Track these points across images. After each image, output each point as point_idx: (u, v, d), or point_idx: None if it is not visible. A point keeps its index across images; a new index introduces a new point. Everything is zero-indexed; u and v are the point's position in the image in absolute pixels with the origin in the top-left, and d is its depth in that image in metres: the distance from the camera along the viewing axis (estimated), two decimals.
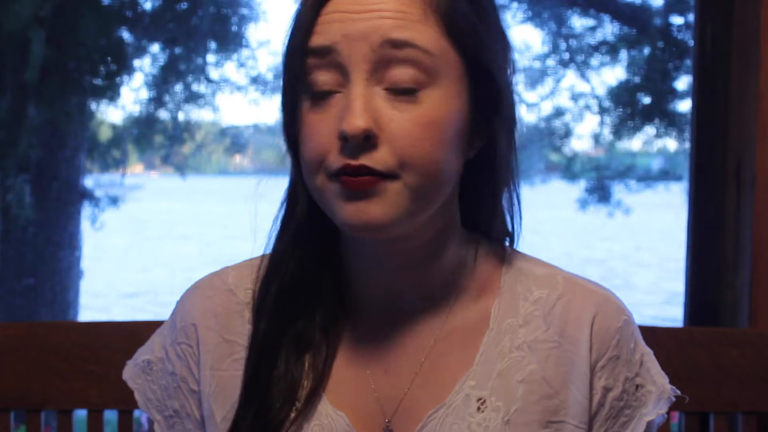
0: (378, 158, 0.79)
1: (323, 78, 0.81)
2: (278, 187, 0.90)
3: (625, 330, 0.90)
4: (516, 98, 0.90)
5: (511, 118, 0.88)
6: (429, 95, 0.80)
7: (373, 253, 0.88)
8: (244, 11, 6.17)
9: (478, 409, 0.86)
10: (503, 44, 0.88)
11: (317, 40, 0.81)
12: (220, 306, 0.92)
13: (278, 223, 0.90)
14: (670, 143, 7.32)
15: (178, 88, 6.18)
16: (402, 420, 0.87)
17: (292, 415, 0.86)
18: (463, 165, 0.87)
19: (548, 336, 0.88)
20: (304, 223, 0.87)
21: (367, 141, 0.79)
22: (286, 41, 0.85)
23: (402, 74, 0.79)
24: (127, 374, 0.97)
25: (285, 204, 0.90)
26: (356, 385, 0.88)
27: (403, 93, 0.80)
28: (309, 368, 0.87)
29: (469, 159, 0.87)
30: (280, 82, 0.87)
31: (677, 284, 2.23)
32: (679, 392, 0.93)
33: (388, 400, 0.87)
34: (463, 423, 0.85)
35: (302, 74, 0.82)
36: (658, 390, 0.92)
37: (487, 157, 0.88)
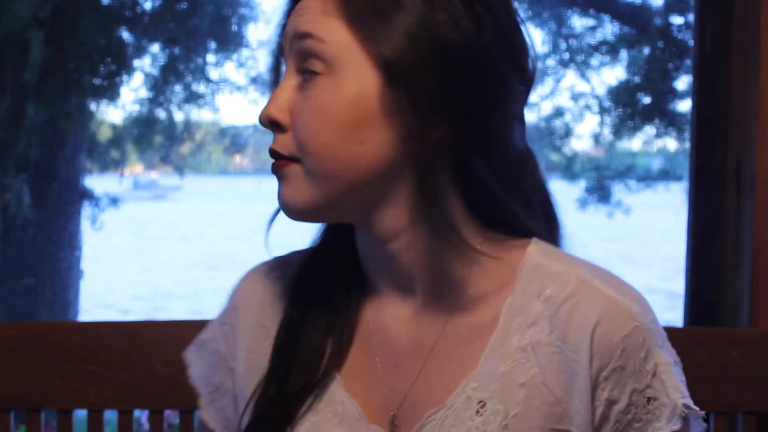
0: (281, 142, 0.85)
1: None
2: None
3: (633, 338, 0.84)
4: (488, 104, 0.83)
5: (458, 122, 0.81)
6: (324, 82, 0.83)
7: (363, 244, 0.90)
8: (244, 11, 6.18)
9: (477, 412, 0.84)
10: (448, 47, 0.80)
11: None
12: (261, 292, 0.97)
13: None
14: (670, 143, 7.34)
15: (178, 88, 6.19)
16: (405, 416, 0.87)
17: (309, 399, 0.89)
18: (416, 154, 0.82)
19: (551, 339, 0.85)
20: None
21: (277, 127, 0.85)
22: None
23: (307, 64, 0.84)
24: (186, 351, 1.03)
25: None
26: (368, 374, 0.89)
27: (308, 81, 0.84)
28: (329, 352, 0.91)
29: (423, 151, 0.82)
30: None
31: (677, 284, 2.23)
32: (697, 410, 0.86)
33: (394, 394, 0.88)
34: (462, 426, 0.84)
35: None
36: (672, 404, 0.85)
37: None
